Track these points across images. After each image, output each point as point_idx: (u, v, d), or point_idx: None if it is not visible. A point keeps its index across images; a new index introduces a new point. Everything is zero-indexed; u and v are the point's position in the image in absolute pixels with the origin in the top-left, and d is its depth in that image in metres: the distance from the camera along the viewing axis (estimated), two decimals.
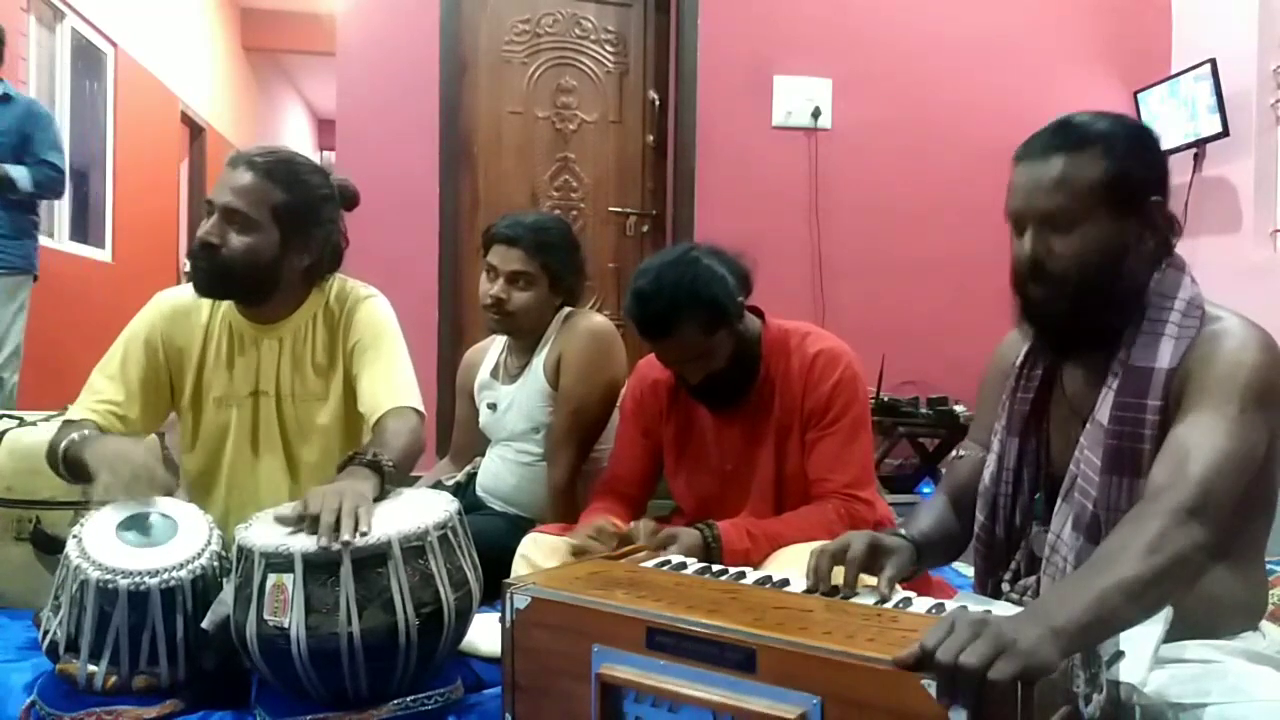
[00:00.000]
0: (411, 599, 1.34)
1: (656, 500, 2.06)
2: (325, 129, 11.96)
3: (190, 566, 1.43)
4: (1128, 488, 1.20)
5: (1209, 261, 3.75)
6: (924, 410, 3.81)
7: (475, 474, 2.41)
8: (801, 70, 4.13)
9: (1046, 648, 0.87)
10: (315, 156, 2.10)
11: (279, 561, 1.32)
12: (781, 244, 3.98)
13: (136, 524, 1.49)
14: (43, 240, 4.65)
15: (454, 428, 2.60)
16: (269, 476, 1.84)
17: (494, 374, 2.40)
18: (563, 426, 2.21)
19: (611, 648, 1.10)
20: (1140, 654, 1.04)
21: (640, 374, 2.03)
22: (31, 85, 4.74)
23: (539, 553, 1.81)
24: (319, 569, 1.31)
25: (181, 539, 1.48)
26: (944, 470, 3.51)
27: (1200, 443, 1.12)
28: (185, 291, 1.85)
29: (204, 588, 1.44)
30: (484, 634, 1.54)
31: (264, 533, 1.38)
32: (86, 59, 5.58)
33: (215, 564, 1.48)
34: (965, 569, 1.69)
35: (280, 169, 1.74)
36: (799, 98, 4.12)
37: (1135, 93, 4.22)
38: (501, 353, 2.41)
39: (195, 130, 7.75)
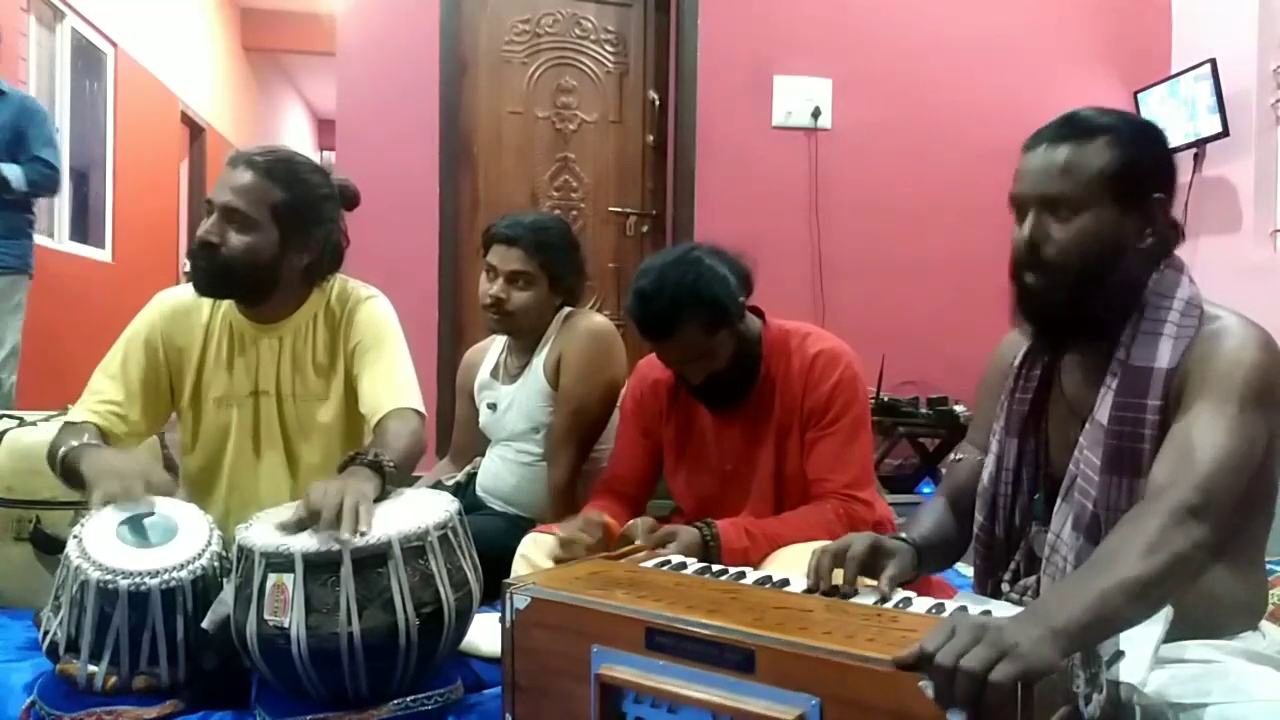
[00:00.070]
0: (411, 599, 1.34)
1: (656, 500, 2.06)
2: (325, 129, 11.96)
3: (190, 567, 1.43)
4: (1127, 487, 1.20)
5: (1209, 261, 3.75)
6: (924, 410, 3.81)
7: (475, 474, 2.41)
8: (801, 70, 4.13)
9: (1047, 648, 0.87)
10: (315, 156, 2.10)
11: (279, 561, 1.32)
12: (781, 244, 3.98)
13: (137, 524, 1.49)
14: (43, 240, 4.66)
15: (454, 428, 2.60)
16: (270, 476, 1.84)
17: (494, 374, 2.41)
18: (563, 426, 2.21)
19: (611, 648, 1.10)
20: (1140, 654, 1.04)
21: (640, 374, 2.03)
22: (31, 85, 4.74)
23: (539, 553, 1.81)
24: (319, 569, 1.31)
25: (182, 539, 1.48)
26: (943, 471, 3.52)
27: (1200, 442, 1.12)
28: (185, 291, 1.85)
29: (204, 588, 1.44)
30: (484, 634, 1.54)
31: (264, 532, 1.38)
32: (86, 59, 5.58)
33: (215, 564, 1.48)
34: (965, 569, 1.69)
35: (280, 168, 1.74)
36: (799, 98, 4.12)
37: (1135, 93, 4.22)
38: (501, 353, 2.41)
39: (195, 130, 7.75)
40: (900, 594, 1.22)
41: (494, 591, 1.29)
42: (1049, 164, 1.23)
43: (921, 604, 1.16)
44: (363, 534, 1.33)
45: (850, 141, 4.13)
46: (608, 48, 4.19)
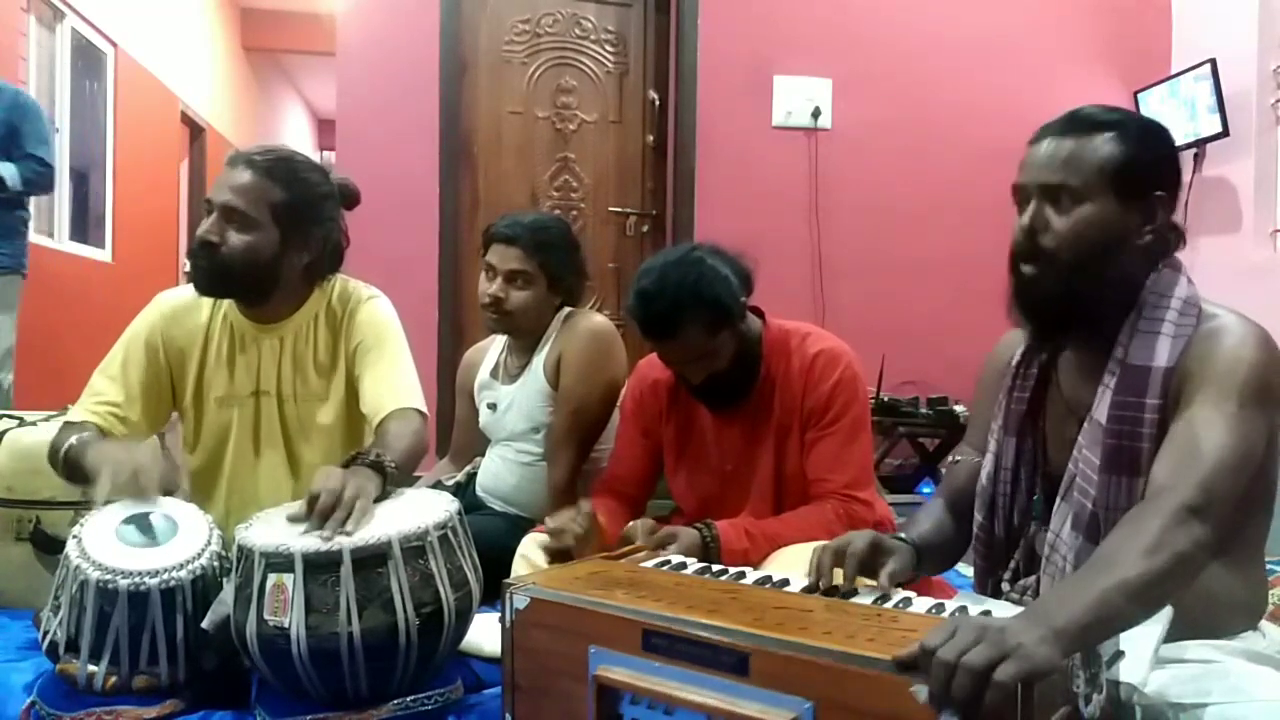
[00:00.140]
0: (411, 599, 1.34)
1: (656, 500, 2.06)
2: (325, 129, 11.95)
3: (190, 566, 1.43)
4: (1127, 487, 1.20)
5: (1209, 261, 3.76)
6: (924, 410, 3.81)
7: (475, 474, 2.41)
8: (801, 70, 4.13)
9: (1049, 649, 0.87)
10: (315, 156, 2.09)
11: (279, 561, 1.32)
12: (781, 244, 3.98)
13: (136, 524, 1.49)
14: (43, 240, 4.65)
15: (454, 428, 2.60)
16: (270, 476, 1.84)
17: (494, 374, 2.41)
18: (563, 426, 2.21)
19: (608, 649, 1.10)
20: (1140, 654, 1.03)
21: (640, 374, 2.03)
22: (31, 85, 4.73)
23: (539, 553, 1.81)
24: (319, 569, 1.31)
25: (181, 539, 1.48)
26: (943, 471, 3.51)
27: (1201, 441, 1.12)
28: (186, 291, 1.85)
29: (204, 588, 1.44)
30: (485, 634, 1.54)
31: (264, 532, 1.38)
32: (86, 59, 5.57)
33: (215, 564, 1.48)
34: (965, 569, 1.69)
35: (279, 167, 1.75)
36: (799, 98, 4.12)
37: (1135, 93, 4.22)
38: (501, 353, 2.41)
39: (195, 130, 7.74)
40: (900, 594, 1.21)
41: (494, 591, 1.29)
42: (1053, 155, 1.23)
43: (921, 604, 1.16)
44: (347, 534, 1.33)
45: (850, 141, 4.13)
46: (608, 48, 4.19)
